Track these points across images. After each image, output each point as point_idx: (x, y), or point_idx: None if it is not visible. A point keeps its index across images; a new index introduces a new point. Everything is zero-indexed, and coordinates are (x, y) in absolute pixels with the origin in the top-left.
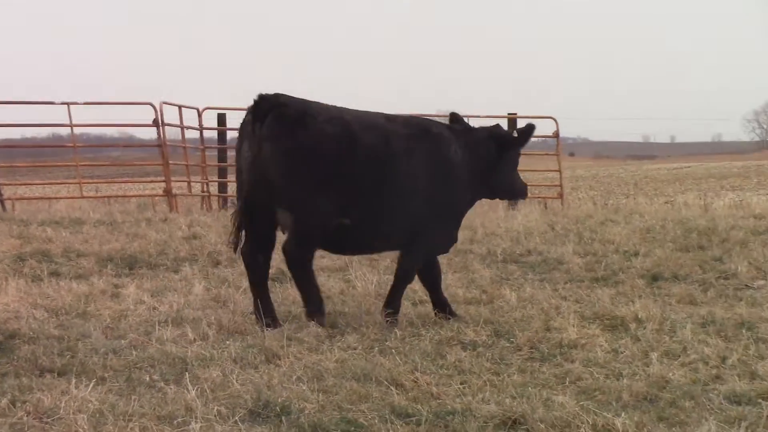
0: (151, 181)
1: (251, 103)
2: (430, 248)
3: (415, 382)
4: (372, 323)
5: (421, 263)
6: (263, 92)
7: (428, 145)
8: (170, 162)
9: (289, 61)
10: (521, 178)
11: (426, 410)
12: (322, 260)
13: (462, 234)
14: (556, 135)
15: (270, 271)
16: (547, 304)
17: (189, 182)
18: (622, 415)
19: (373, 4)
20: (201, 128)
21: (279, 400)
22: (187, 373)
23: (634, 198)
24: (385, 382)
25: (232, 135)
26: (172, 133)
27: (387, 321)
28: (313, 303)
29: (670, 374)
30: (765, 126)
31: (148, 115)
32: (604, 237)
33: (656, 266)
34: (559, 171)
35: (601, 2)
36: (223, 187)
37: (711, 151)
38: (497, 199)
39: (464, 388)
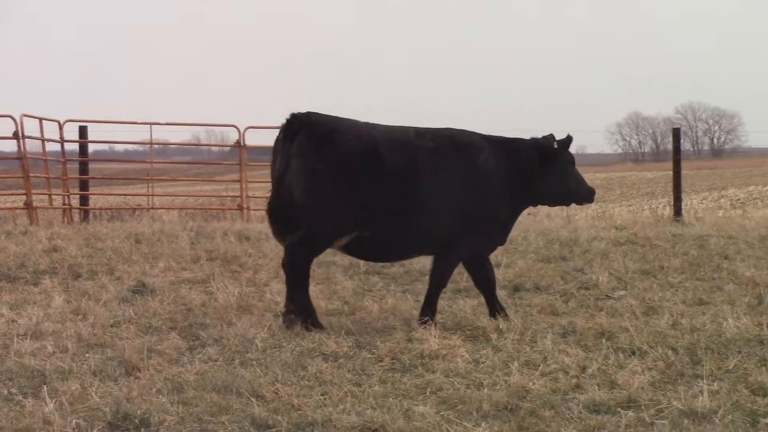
0: (12, 194)
1: (284, 121)
2: (463, 253)
3: (276, 393)
4: (233, 335)
5: (453, 269)
6: (295, 111)
7: (456, 156)
8: (31, 174)
9: (150, 74)
10: (585, 183)
11: (286, 421)
12: (183, 273)
13: None
14: None
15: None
16: (409, 315)
17: (50, 195)
18: (483, 425)
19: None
20: (62, 141)
21: (138, 413)
22: (45, 386)
23: None
24: (246, 394)
25: (93, 147)
26: (33, 146)
27: (421, 326)
28: (297, 304)
29: (531, 384)
30: (628, 138)
31: (8, 128)
32: None
33: (518, 277)
34: None
35: (449, 12)
36: (84, 200)
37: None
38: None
39: (325, 399)
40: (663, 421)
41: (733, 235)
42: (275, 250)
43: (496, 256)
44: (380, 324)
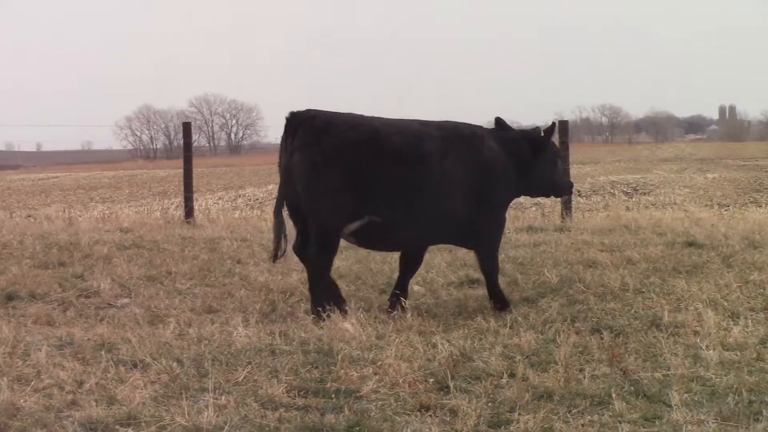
0: None
1: (285, 120)
2: (494, 237)
3: None
4: None
5: (496, 252)
6: (294, 110)
7: (461, 144)
8: None
9: None
10: (564, 176)
11: None
12: None
13: None
14: None
15: None
16: None
17: None
18: None
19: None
20: None
21: None
22: None
23: None
24: None
25: None
26: None
27: (499, 311)
28: (318, 302)
29: (22, 401)
30: (138, 133)
31: None
32: None
33: (12, 284)
34: None
35: None
36: None
37: (81, 160)
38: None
39: None
40: None
41: (248, 237)
42: None
43: None
44: None
